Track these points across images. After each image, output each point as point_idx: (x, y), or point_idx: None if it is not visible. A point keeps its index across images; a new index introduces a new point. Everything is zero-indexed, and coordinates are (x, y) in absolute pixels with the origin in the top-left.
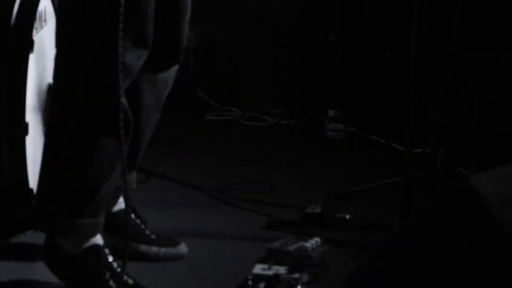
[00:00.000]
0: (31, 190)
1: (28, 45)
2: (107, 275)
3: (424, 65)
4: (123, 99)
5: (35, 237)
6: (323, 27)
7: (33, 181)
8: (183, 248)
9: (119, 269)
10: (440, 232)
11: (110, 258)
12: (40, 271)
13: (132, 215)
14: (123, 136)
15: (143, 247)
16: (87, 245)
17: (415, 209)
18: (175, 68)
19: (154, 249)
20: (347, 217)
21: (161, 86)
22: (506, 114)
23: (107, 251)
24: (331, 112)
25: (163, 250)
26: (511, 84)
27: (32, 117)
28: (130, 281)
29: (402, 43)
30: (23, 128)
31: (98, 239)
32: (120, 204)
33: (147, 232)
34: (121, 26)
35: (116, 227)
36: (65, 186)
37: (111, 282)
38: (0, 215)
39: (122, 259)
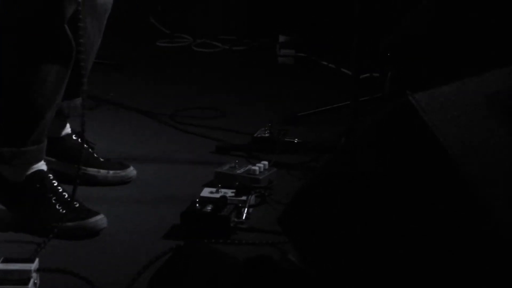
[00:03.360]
0: None
1: None
2: (53, 199)
3: None
4: (66, 27)
5: None
6: None
7: None
8: (131, 171)
9: (64, 193)
10: (381, 151)
11: (55, 183)
12: None
13: (79, 140)
14: (83, 61)
15: (91, 170)
16: (31, 171)
17: (358, 129)
18: None
19: (103, 172)
20: (295, 140)
21: (102, 12)
22: (454, 35)
23: (51, 176)
24: (281, 38)
25: (111, 172)
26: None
27: None
28: (77, 204)
29: None
30: None
31: (42, 165)
32: (67, 128)
33: (95, 155)
34: None
35: (63, 152)
36: (9, 115)
37: (57, 206)
38: None
39: (73, 184)
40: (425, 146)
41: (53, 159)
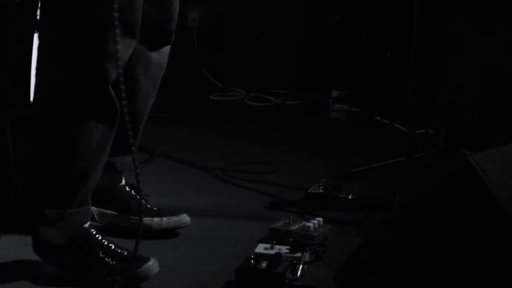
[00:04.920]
0: None
1: (33, 26)
2: (101, 253)
3: (426, 45)
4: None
5: None
6: (327, 6)
7: None
8: (185, 217)
9: (111, 245)
10: (439, 211)
11: (99, 236)
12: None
13: (132, 192)
14: (127, 118)
15: (145, 220)
16: (71, 232)
17: (415, 189)
18: (167, 49)
19: (156, 219)
20: (349, 197)
21: (156, 69)
22: (507, 93)
23: (93, 230)
24: (334, 93)
25: (165, 219)
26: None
27: None
28: (125, 252)
29: (404, 23)
30: None
31: None
32: (122, 181)
33: (148, 206)
34: (116, 14)
35: (118, 203)
36: (53, 176)
37: (106, 259)
38: (6, 193)
39: (136, 240)
40: (484, 207)
41: (109, 211)
